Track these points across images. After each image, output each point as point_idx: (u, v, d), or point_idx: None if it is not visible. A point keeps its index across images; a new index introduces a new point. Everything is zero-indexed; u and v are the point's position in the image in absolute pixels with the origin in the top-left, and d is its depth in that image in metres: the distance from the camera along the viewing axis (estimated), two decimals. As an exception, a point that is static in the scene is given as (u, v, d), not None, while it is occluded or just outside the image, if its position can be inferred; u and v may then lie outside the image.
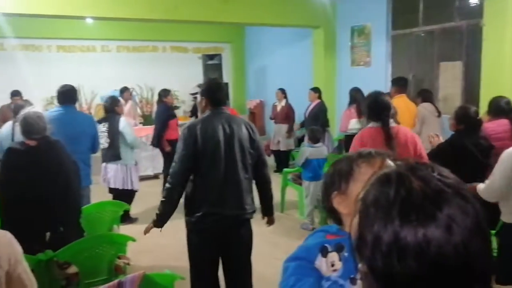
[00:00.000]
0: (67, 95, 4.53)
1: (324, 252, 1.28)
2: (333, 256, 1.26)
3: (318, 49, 8.72)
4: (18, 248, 1.84)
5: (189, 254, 3.02)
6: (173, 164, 2.86)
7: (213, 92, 2.98)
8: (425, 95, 5.74)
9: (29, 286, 1.85)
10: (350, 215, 1.26)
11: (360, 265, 0.80)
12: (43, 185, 3.01)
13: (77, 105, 9.58)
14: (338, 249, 1.26)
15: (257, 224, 5.44)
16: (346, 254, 1.24)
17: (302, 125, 8.13)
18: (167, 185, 2.90)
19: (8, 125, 4.89)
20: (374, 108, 3.24)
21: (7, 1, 6.18)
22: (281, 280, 1.35)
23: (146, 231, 3.02)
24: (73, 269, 3.04)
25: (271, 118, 8.85)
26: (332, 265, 1.26)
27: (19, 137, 4.46)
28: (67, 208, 3.14)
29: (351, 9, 8.25)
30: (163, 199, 2.91)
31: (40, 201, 2.97)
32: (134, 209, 5.62)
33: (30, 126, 3.10)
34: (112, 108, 5.49)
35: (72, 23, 9.22)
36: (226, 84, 2.96)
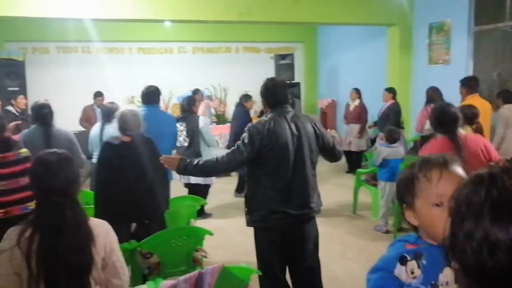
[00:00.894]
0: (152, 96, 4.72)
1: (403, 261, 1.31)
2: (412, 264, 1.29)
3: (393, 48, 8.48)
4: (114, 237, 1.98)
5: (257, 251, 3.07)
6: (232, 152, 2.84)
7: (269, 92, 2.98)
8: (506, 96, 5.46)
9: (121, 274, 1.99)
10: (423, 225, 1.29)
11: (452, 263, 0.83)
12: (133, 178, 3.23)
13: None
14: (417, 257, 1.29)
15: (329, 224, 5.48)
16: (424, 262, 1.27)
17: (375, 124, 7.96)
18: (217, 161, 2.85)
19: (97, 125, 5.25)
20: (443, 119, 3.21)
21: (93, 7, 6.64)
22: None
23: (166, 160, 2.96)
24: (155, 259, 3.21)
25: (345, 118, 8.75)
26: (412, 273, 1.29)
27: (108, 136, 4.82)
28: (154, 202, 3.34)
29: (429, 5, 7.94)
30: (205, 167, 2.88)
31: (130, 193, 3.19)
32: (208, 205, 5.81)
33: (126, 123, 3.34)
34: (189, 108, 5.70)
35: (152, 27, 9.69)
36: (286, 82, 2.95)
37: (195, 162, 2.89)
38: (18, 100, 6.36)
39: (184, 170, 2.92)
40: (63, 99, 8.66)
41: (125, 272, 2.00)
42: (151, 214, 3.40)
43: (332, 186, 7.36)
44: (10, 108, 6.12)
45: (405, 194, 1.33)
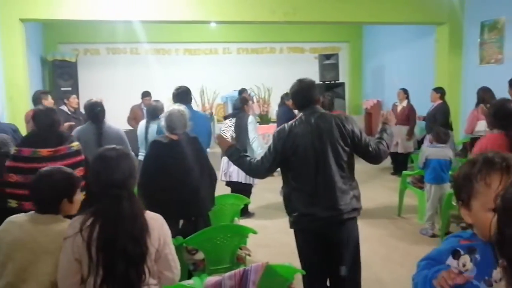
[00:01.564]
0: (182, 96, 4.76)
1: (456, 255, 1.30)
2: (465, 258, 1.28)
3: (442, 47, 8.25)
4: (167, 231, 2.07)
5: (298, 252, 3.08)
6: (261, 158, 2.92)
7: (295, 93, 2.97)
8: None
9: (173, 267, 2.07)
10: (476, 226, 1.28)
11: (500, 260, 0.83)
12: (181, 176, 3.31)
13: (200, 104, 10.28)
14: (470, 252, 1.28)
15: (373, 226, 5.40)
16: (478, 256, 1.26)
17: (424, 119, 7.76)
18: (250, 164, 2.96)
19: (142, 123, 5.40)
20: (501, 116, 3.13)
21: (142, 9, 6.85)
22: (414, 275, 1.44)
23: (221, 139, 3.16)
24: (200, 256, 3.27)
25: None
26: (464, 265, 1.28)
27: (152, 134, 4.95)
28: (200, 199, 3.41)
29: (481, 2, 7.67)
30: (242, 164, 3.01)
31: (177, 191, 3.27)
32: (251, 204, 5.84)
33: (173, 123, 3.42)
34: (241, 106, 5.77)
35: (198, 28, 9.87)
36: (313, 83, 2.90)
37: (241, 155, 3.03)
38: (70, 99, 6.62)
39: (229, 155, 3.06)
40: (112, 98, 8.95)
41: (176, 265, 2.08)
42: (197, 211, 3.47)
43: (376, 188, 7.24)
44: (63, 107, 6.39)
45: (462, 191, 1.30)
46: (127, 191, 1.95)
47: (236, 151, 3.04)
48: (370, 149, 2.89)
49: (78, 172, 3.13)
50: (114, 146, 2.08)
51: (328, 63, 9.89)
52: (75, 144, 3.22)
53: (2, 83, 6.52)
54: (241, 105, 5.80)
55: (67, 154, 3.14)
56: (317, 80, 9.97)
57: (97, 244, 1.87)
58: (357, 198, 2.91)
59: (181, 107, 3.64)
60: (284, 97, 7.20)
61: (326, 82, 9.80)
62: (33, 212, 2.17)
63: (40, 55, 9.50)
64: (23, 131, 5.66)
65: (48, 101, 5.85)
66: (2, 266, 2.04)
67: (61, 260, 1.94)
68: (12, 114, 6.61)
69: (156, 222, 2.01)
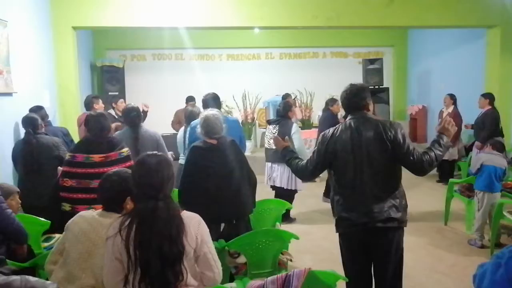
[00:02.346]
0: (211, 102, 4.74)
1: None
2: None
3: (493, 51, 7.94)
4: (205, 229, 2.10)
5: (341, 257, 3.06)
6: (307, 161, 3.00)
7: (345, 97, 2.97)
8: None
9: (213, 266, 2.10)
10: None
11: None
12: (221, 179, 3.35)
13: (242, 109, 10.34)
14: None
15: (418, 235, 5.26)
16: None
17: (472, 127, 7.50)
18: (297, 166, 3.07)
19: (182, 128, 5.49)
20: None
21: (187, 16, 7.00)
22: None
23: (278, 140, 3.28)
24: (242, 259, 3.29)
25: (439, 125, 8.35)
26: None
27: (191, 138, 5.02)
28: (241, 202, 3.44)
29: (535, 4, 7.36)
30: (292, 166, 3.12)
31: (217, 194, 3.31)
32: (293, 210, 5.83)
33: (210, 128, 3.47)
34: (284, 113, 5.78)
35: (241, 34, 9.97)
36: (362, 88, 2.85)
37: (294, 156, 3.15)
38: (118, 103, 6.84)
39: (283, 156, 3.21)
40: (157, 103, 9.17)
41: (217, 265, 2.10)
42: (238, 214, 3.50)
43: (421, 195, 7.05)
44: (111, 111, 6.60)
45: None
46: (164, 195, 2.01)
47: (290, 153, 3.18)
48: (412, 158, 2.73)
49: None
50: (155, 152, 2.16)
51: (372, 68, 9.75)
52: (125, 150, 3.33)
53: (54, 89, 6.82)
54: (284, 112, 5.80)
55: (118, 159, 3.26)
56: (360, 85, 9.89)
57: (134, 243, 1.94)
58: (398, 208, 2.79)
59: (213, 111, 3.67)
60: (328, 102, 7.15)
61: (370, 87, 9.65)
62: (100, 210, 2.35)
63: (89, 61, 9.86)
64: (74, 135, 5.90)
65: (99, 105, 6.07)
66: (66, 255, 2.19)
67: (105, 260, 2.03)
68: (64, 118, 6.90)
69: (192, 220, 2.05)
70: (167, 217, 1.97)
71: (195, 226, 2.05)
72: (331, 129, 2.97)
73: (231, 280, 3.23)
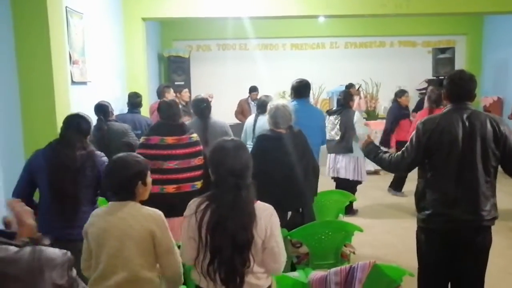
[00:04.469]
0: (302, 89, 4.71)
1: None
2: None
3: None
4: (276, 222, 2.07)
5: (417, 252, 2.91)
6: (402, 152, 2.82)
7: (455, 85, 2.75)
8: None
9: (279, 259, 2.04)
10: None
11: None
12: (288, 169, 3.36)
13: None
14: None
15: (492, 235, 4.94)
16: None
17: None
18: (390, 160, 2.90)
19: (251, 117, 5.52)
20: None
21: (252, 5, 7.01)
22: None
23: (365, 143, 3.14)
24: (304, 249, 3.28)
25: (509, 118, 7.86)
26: None
27: (260, 127, 5.04)
28: (306, 192, 3.43)
29: None
30: (380, 162, 2.99)
31: (286, 182, 3.32)
32: (355, 202, 5.71)
33: (279, 118, 3.49)
34: (345, 102, 5.68)
35: (305, 23, 9.84)
36: (473, 78, 2.68)
37: (379, 151, 3.04)
38: (182, 93, 7.02)
39: (367, 152, 3.10)
40: (221, 93, 9.29)
41: (283, 258, 2.06)
42: (304, 203, 3.49)
43: (497, 193, 6.67)
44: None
45: None
46: (243, 181, 2.00)
47: (375, 148, 3.07)
48: None
49: (198, 160, 3.35)
50: (232, 137, 2.18)
51: (443, 57, 9.29)
52: (194, 136, 3.44)
53: (124, 79, 7.10)
54: (345, 101, 5.69)
55: (189, 143, 3.39)
56: (430, 75, 9.48)
57: (207, 227, 1.96)
58: (496, 207, 2.74)
59: (284, 101, 3.69)
60: (397, 94, 6.93)
61: (440, 77, 9.23)
62: (112, 202, 2.27)
63: (157, 51, 10.16)
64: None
65: (170, 94, 6.29)
66: (96, 256, 2.17)
67: (181, 236, 2.09)
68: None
69: (264, 212, 2.03)
70: (243, 206, 1.97)
71: (266, 217, 2.02)
72: (433, 117, 2.77)
73: (292, 269, 3.23)
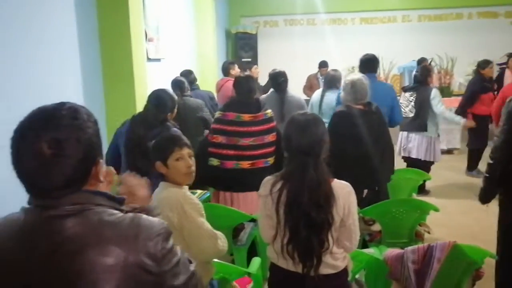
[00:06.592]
0: (369, 64, 4.57)
1: None
2: None
3: None
4: (354, 200, 2.02)
5: (499, 232, 2.78)
6: (496, 137, 2.66)
7: None
8: None
9: (353, 238, 2.03)
10: None
11: None
12: (366, 145, 3.29)
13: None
14: None
15: None
16: None
17: None
18: (489, 160, 2.71)
19: (318, 92, 5.45)
20: None
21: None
22: None
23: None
24: (376, 227, 3.25)
25: None
26: None
27: (328, 103, 4.98)
28: (384, 169, 3.36)
29: None
30: (486, 175, 2.75)
31: (363, 158, 3.26)
32: (428, 182, 5.54)
33: (358, 92, 3.40)
34: (423, 78, 5.42)
35: (375, -4, 9.52)
36: None
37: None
38: (253, 69, 7.06)
39: (481, 195, 2.84)
40: (288, 68, 9.19)
41: (357, 236, 2.04)
42: (380, 181, 3.43)
43: None
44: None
45: None
46: (314, 158, 1.94)
47: (482, 185, 2.83)
48: None
49: (272, 137, 3.37)
50: (305, 111, 2.14)
51: (528, 28, 8.64)
52: (269, 112, 3.45)
53: (194, 56, 7.25)
54: (422, 77, 5.42)
55: (264, 120, 3.40)
56: (511, 49, 8.85)
57: (284, 206, 1.94)
58: None
59: (359, 75, 3.57)
60: (480, 64, 6.41)
61: (524, 52, 8.59)
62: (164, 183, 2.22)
63: (225, 28, 10.25)
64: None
65: (235, 71, 6.33)
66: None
67: (259, 214, 2.11)
68: (203, 83, 7.32)
69: (342, 190, 1.98)
70: (316, 184, 1.91)
71: (345, 196, 1.98)
72: None
73: (364, 246, 3.21)
